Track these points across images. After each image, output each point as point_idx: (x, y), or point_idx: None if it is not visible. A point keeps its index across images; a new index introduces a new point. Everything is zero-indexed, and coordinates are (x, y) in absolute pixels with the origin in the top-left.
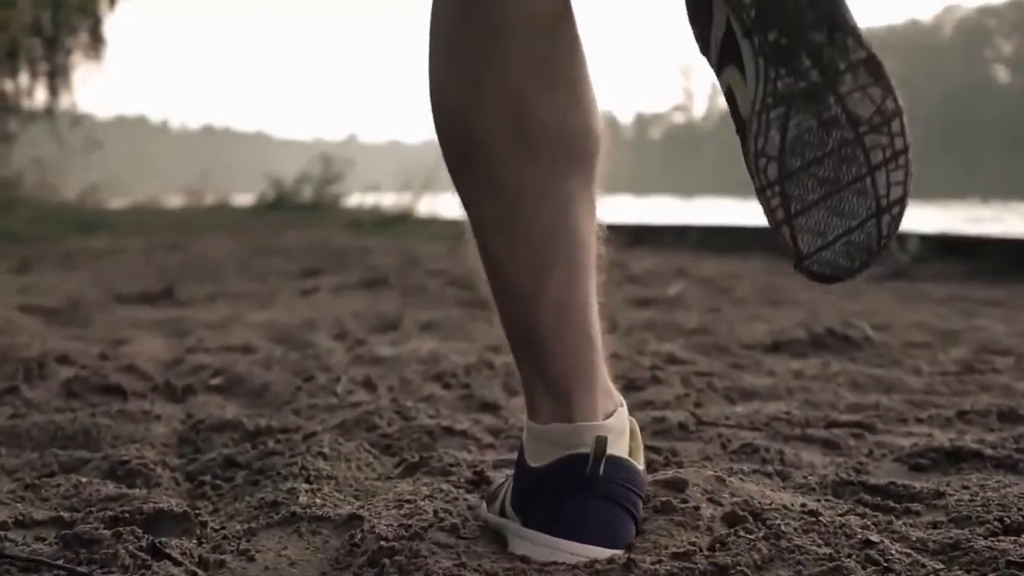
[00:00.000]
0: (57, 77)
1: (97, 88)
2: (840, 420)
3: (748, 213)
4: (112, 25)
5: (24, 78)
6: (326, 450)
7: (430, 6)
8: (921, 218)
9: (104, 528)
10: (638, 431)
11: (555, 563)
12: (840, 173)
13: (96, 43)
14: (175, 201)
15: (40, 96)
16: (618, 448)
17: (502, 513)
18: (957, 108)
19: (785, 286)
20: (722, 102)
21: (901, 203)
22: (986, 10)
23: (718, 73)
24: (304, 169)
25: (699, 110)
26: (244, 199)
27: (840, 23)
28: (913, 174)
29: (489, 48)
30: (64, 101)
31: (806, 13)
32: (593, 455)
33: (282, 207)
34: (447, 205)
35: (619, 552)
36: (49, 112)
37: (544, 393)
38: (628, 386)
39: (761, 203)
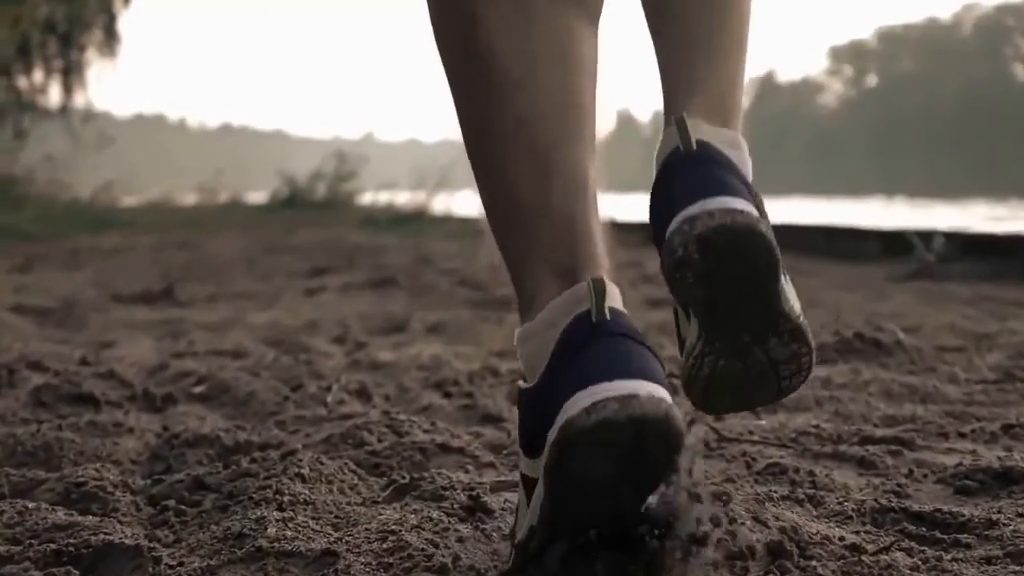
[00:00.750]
0: (72, 74)
1: (115, 86)
2: (875, 435)
3: (769, 211)
4: (129, 22)
5: (39, 75)
6: (305, 471)
7: None
8: (941, 217)
9: (36, 569)
10: None
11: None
12: (754, 388)
13: (111, 40)
14: (189, 199)
15: (55, 94)
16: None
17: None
18: (976, 106)
19: (808, 286)
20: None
21: (796, 387)
22: (1005, 8)
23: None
24: (318, 166)
25: None
26: (259, 197)
27: (775, 319)
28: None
29: None
30: (79, 99)
31: (751, 320)
32: (594, 296)
33: (295, 205)
34: (462, 203)
35: (654, 385)
36: (64, 110)
37: (548, 278)
38: None
39: (683, 387)
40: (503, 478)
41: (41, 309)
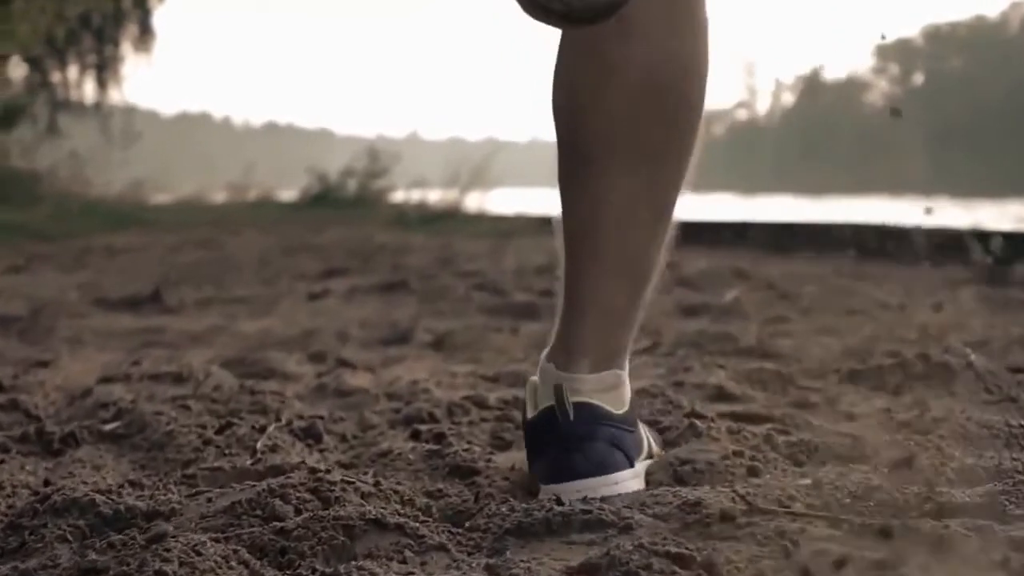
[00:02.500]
0: (106, 70)
1: (159, 84)
2: (953, 501)
3: (814, 211)
4: (174, 20)
5: (73, 70)
6: (172, 567)
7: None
8: (990, 217)
9: None
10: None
11: None
12: None
13: (145, 36)
14: (219, 196)
15: (89, 89)
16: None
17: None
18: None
19: (859, 291)
20: (786, 100)
21: None
22: None
23: None
24: (349, 163)
25: (762, 107)
26: (292, 194)
27: None
28: None
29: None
30: (113, 95)
31: None
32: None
33: (326, 202)
34: (496, 201)
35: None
36: (97, 106)
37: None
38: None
39: None
40: (452, 572)
41: (7, 317)
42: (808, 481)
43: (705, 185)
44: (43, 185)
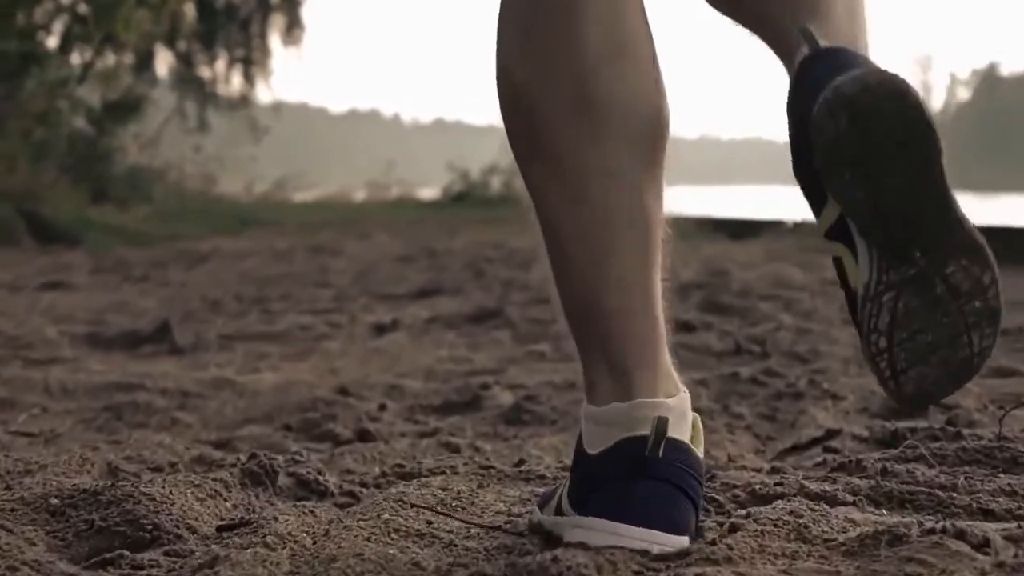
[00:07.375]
0: (252, 64)
1: (332, 82)
2: None
3: (984, 212)
4: (350, 17)
5: (221, 65)
6: None
7: None
8: None
9: None
10: (700, 425)
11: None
12: (940, 336)
13: (294, 29)
14: (360, 195)
15: (237, 83)
16: (679, 432)
17: (558, 512)
18: None
19: None
20: (961, 95)
21: (990, 348)
22: None
23: (826, 238)
24: (493, 159)
25: (937, 103)
26: (435, 193)
27: (949, 218)
28: (1001, 328)
29: (560, 26)
30: (261, 90)
31: (922, 215)
32: (654, 435)
33: (468, 201)
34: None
35: (681, 538)
36: (244, 100)
37: (605, 372)
38: None
39: (867, 360)
40: None
41: None
42: None
43: None
44: (163, 183)
